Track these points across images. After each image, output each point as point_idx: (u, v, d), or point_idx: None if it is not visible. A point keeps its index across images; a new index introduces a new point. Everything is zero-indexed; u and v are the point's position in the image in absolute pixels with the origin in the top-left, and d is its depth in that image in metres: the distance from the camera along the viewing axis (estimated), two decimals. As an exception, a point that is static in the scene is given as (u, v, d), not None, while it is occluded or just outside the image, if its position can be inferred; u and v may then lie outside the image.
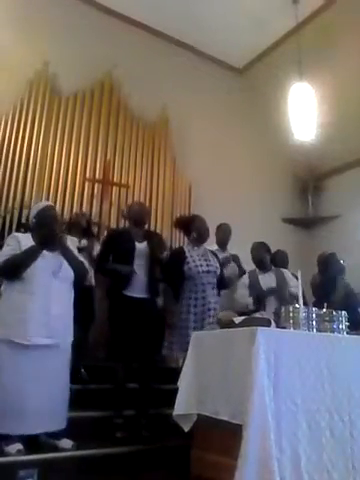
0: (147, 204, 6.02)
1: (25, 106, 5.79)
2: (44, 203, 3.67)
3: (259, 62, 7.41)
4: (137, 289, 3.46)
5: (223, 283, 3.93)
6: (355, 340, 3.05)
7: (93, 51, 6.22)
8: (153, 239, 3.71)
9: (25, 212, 5.42)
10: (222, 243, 4.73)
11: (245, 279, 4.23)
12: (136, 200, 5.81)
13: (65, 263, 3.09)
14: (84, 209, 5.73)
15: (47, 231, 3.06)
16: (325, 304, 3.17)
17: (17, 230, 5.33)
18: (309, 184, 8.00)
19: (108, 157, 6.24)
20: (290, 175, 7.98)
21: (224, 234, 4.74)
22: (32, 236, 3.10)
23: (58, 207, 5.63)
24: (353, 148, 6.98)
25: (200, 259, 3.73)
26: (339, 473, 2.63)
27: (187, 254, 3.73)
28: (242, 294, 4.12)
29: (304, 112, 5.48)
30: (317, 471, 2.54)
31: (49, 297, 2.96)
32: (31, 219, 3.25)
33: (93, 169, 6.11)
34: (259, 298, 4.01)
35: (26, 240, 3.06)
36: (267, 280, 4.17)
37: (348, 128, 6.78)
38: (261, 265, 4.24)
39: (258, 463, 2.32)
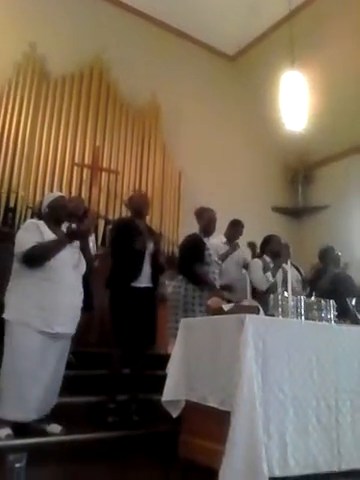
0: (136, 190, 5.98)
1: (13, 89, 5.69)
2: (57, 193, 3.73)
3: (251, 49, 7.37)
4: (143, 279, 3.57)
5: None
6: (342, 329, 3.09)
7: (82, 34, 6.13)
8: (155, 237, 3.82)
9: (13, 196, 5.36)
10: (232, 239, 4.75)
11: (259, 263, 4.34)
12: (138, 190, 5.82)
13: (82, 256, 3.18)
14: (73, 195, 5.67)
15: (82, 228, 3.20)
16: (313, 293, 3.20)
17: (5, 214, 5.29)
18: (299, 174, 8.02)
19: (97, 142, 6.18)
20: (280, 164, 7.99)
21: (237, 233, 4.78)
22: (46, 224, 3.12)
23: (46, 192, 5.56)
24: (343, 138, 7.00)
25: (212, 249, 3.99)
26: (325, 458, 2.68)
27: (206, 242, 3.97)
28: (258, 270, 4.24)
29: (295, 101, 5.46)
30: (303, 457, 2.58)
31: (72, 288, 3.06)
32: (44, 208, 3.25)
33: (82, 154, 6.05)
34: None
35: (43, 228, 3.09)
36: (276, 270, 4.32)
37: (339, 117, 6.79)
38: (275, 257, 4.37)
39: (245, 449, 2.35)
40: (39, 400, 2.88)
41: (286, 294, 3.03)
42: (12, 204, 5.35)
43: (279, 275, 4.28)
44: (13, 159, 5.52)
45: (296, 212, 8.00)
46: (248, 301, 3.68)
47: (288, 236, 6.33)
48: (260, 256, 4.46)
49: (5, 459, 2.51)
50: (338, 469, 2.71)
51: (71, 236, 3.10)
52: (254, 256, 4.64)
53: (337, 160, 7.35)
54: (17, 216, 5.35)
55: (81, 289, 3.18)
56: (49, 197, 3.37)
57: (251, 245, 4.67)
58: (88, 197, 5.92)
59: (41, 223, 3.13)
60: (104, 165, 6.17)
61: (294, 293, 3.49)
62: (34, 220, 3.27)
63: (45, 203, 3.28)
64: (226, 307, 3.06)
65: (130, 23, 6.65)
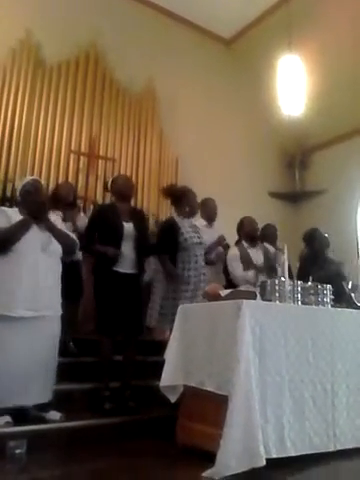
0: (133, 178, 5.97)
1: (8, 76, 5.63)
2: (30, 177, 3.67)
3: (248, 33, 7.28)
4: (125, 265, 3.48)
5: (208, 257, 3.97)
6: (339, 313, 3.11)
7: (77, 20, 6.05)
8: (139, 218, 3.70)
9: (9, 185, 5.34)
10: (210, 218, 4.70)
11: (235, 251, 4.22)
12: (121, 173, 5.74)
13: (52, 238, 3.10)
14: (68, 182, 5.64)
15: (37, 203, 3.09)
16: (310, 278, 3.20)
17: (2, 204, 5.28)
18: (296, 158, 7.98)
19: (94, 129, 6.14)
20: (277, 149, 7.95)
21: (211, 210, 4.70)
22: (19, 211, 3.10)
23: (43, 180, 5.52)
24: (341, 121, 6.95)
25: (191, 231, 3.79)
26: (321, 440, 2.73)
27: (180, 225, 3.76)
28: (237, 267, 4.10)
29: (292, 85, 5.42)
30: (300, 438, 2.63)
31: (37, 271, 2.98)
32: (17, 194, 3.23)
33: (78, 142, 6.01)
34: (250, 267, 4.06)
35: (14, 215, 3.07)
36: (255, 255, 4.21)
37: (336, 101, 6.73)
38: (253, 240, 4.26)
39: (243, 431, 2.39)
40: (27, 386, 2.86)
41: (283, 279, 3.04)
42: (8, 193, 5.32)
43: (258, 257, 4.18)
44: (9, 148, 5.48)
45: (293, 197, 7.98)
46: (245, 287, 3.71)
47: (285, 221, 6.37)
48: (237, 243, 4.33)
49: (5, 446, 2.56)
50: (334, 449, 2.76)
51: (33, 215, 3.04)
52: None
53: (334, 144, 7.31)
54: (14, 205, 5.33)
55: (55, 272, 3.11)
56: (21, 182, 3.34)
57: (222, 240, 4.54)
58: (85, 185, 5.89)
59: (12, 210, 3.12)
60: (100, 153, 6.13)
61: (274, 274, 3.49)
62: (2, 207, 3.26)
63: (19, 188, 3.27)
64: (223, 293, 3.08)
65: (125, 8, 6.56)
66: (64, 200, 4.25)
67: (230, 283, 4.15)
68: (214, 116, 7.11)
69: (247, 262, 4.10)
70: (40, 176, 5.56)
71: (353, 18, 6.20)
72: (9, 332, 2.87)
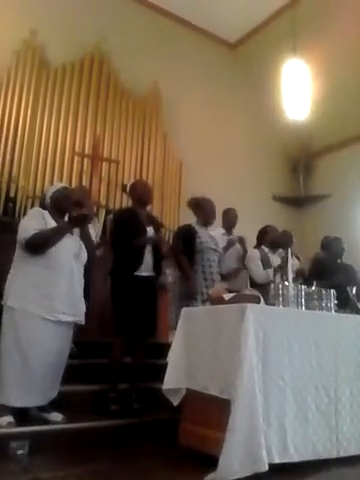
0: (133, 179, 5.95)
1: (12, 77, 5.64)
2: (60, 184, 3.77)
3: (253, 37, 7.30)
4: (145, 268, 3.58)
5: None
6: (343, 318, 3.10)
7: (82, 22, 6.07)
8: (157, 223, 3.89)
9: (13, 186, 5.35)
10: (229, 227, 4.81)
11: (256, 253, 4.34)
12: (139, 179, 5.78)
13: (83, 246, 3.20)
14: (73, 184, 5.66)
15: (84, 215, 3.21)
16: (317, 283, 3.20)
17: (6, 204, 5.29)
18: (301, 162, 7.98)
19: (98, 132, 6.14)
20: (282, 153, 7.95)
21: (232, 218, 4.83)
22: (51, 215, 3.14)
23: (47, 182, 5.56)
24: (346, 126, 6.95)
25: (208, 238, 3.94)
26: (323, 445, 2.72)
27: (197, 230, 3.92)
28: (258, 265, 4.23)
29: (297, 89, 5.43)
30: (303, 444, 2.62)
31: (73, 277, 3.08)
32: (47, 199, 3.27)
33: (82, 143, 6.02)
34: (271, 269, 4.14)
35: (48, 218, 3.11)
36: (275, 260, 4.29)
37: (341, 105, 6.74)
38: (275, 246, 4.38)
39: (245, 436, 2.38)
40: (41, 387, 2.91)
41: (287, 283, 3.03)
42: (12, 194, 5.34)
43: (276, 262, 4.24)
44: (13, 149, 5.49)
45: (297, 201, 7.98)
46: (249, 291, 3.70)
47: (289, 225, 6.32)
48: (257, 247, 4.44)
49: (7, 446, 2.56)
50: (337, 455, 2.74)
51: (73, 222, 3.13)
52: (245, 250, 4.58)
53: (339, 149, 7.30)
54: (17, 206, 5.35)
55: (82, 278, 3.20)
56: (52, 188, 3.40)
57: (241, 240, 4.63)
58: (89, 187, 5.89)
59: (46, 213, 3.15)
60: (104, 155, 6.14)
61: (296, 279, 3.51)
62: (40, 209, 3.29)
63: (48, 194, 3.31)
64: (227, 297, 3.08)
65: (131, 11, 6.58)
66: (80, 204, 4.25)
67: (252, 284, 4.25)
68: (218, 120, 7.12)
69: (266, 264, 4.22)
70: (44, 178, 5.59)
71: (358, 23, 6.21)
72: (41, 334, 2.92)
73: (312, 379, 2.77)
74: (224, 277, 4.14)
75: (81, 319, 3.15)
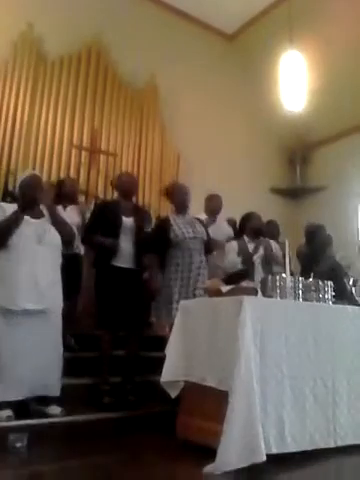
0: (135, 173, 5.96)
1: (10, 69, 5.62)
2: (28, 172, 3.71)
3: (250, 28, 7.25)
4: (124, 260, 3.53)
5: (209, 247, 3.94)
6: (340, 309, 3.11)
7: (79, 14, 6.03)
8: (140, 215, 3.78)
9: (11, 179, 5.34)
10: (212, 213, 4.72)
11: (234, 245, 4.21)
12: (124, 170, 5.75)
13: (51, 229, 3.13)
14: (69, 177, 5.64)
15: (28, 196, 3.11)
16: (311, 274, 3.20)
17: (3, 199, 5.27)
18: (297, 154, 7.97)
19: (95, 124, 6.13)
20: (279, 145, 7.93)
21: (215, 205, 4.74)
22: (18, 205, 3.11)
23: (45, 174, 5.54)
24: (342, 117, 6.93)
25: (186, 226, 3.76)
26: (321, 436, 2.73)
27: (172, 222, 3.75)
28: (233, 259, 4.11)
29: (294, 81, 5.40)
30: (300, 434, 2.63)
31: (35, 263, 3.00)
32: (17, 189, 3.26)
33: (80, 136, 6.01)
34: (247, 263, 4.05)
35: (12, 209, 3.07)
36: (254, 249, 4.20)
37: (338, 97, 6.72)
38: (257, 235, 4.26)
39: (243, 427, 2.39)
40: (29, 380, 2.88)
41: (284, 275, 3.04)
42: (10, 187, 5.32)
43: (257, 250, 4.18)
44: (11, 141, 5.48)
45: (294, 193, 7.97)
46: (246, 283, 3.70)
47: (286, 217, 6.35)
48: (239, 236, 4.32)
49: (6, 439, 2.58)
50: (334, 445, 2.76)
51: (24, 208, 3.05)
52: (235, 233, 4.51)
53: (336, 140, 7.29)
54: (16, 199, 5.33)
55: (54, 263, 3.13)
56: (21, 176, 3.37)
57: (231, 222, 4.57)
58: (86, 180, 5.89)
59: (10, 205, 3.14)
60: (102, 147, 6.13)
61: (276, 270, 3.49)
62: (1, 203, 3.28)
63: (18, 183, 3.29)
64: (224, 289, 3.08)
65: (128, 3, 6.53)
66: (67, 196, 4.26)
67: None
68: (216, 112, 7.09)
69: (245, 254, 4.09)
70: (42, 170, 5.58)
71: (355, 14, 6.17)
72: (10, 326, 2.89)
73: (309, 370, 2.78)
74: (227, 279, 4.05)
75: (51, 305, 3.04)
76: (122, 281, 3.47)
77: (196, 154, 6.59)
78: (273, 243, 4.34)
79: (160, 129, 6.66)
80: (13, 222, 3.00)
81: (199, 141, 6.72)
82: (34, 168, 5.52)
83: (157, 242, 3.68)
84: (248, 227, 4.28)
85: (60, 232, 3.16)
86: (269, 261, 4.08)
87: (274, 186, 7.77)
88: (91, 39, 6.21)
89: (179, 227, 3.72)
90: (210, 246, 3.93)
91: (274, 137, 7.73)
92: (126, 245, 3.54)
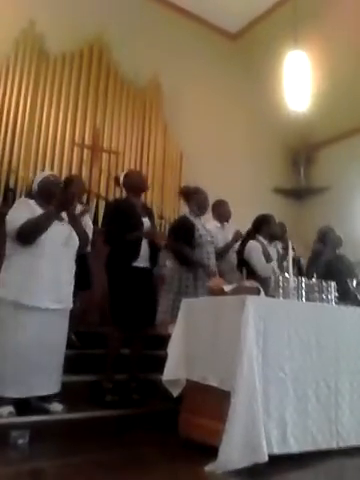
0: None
1: (11, 66, 5.59)
2: (48, 172, 3.79)
3: (254, 27, 7.24)
4: (142, 259, 3.56)
5: (220, 254, 4.10)
6: (343, 310, 3.11)
7: (82, 12, 6.02)
8: (150, 213, 3.85)
9: (12, 176, 5.33)
10: (221, 219, 4.72)
11: (257, 244, 4.11)
12: (132, 168, 5.75)
13: (73, 232, 3.15)
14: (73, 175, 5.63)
15: (66, 194, 3.14)
16: (314, 274, 3.20)
17: (4, 197, 5.27)
18: (301, 154, 7.95)
19: (97, 122, 6.11)
20: (282, 145, 7.92)
21: (225, 211, 4.75)
22: (37, 203, 3.11)
23: (46, 172, 5.52)
24: (347, 118, 6.92)
25: (204, 229, 3.91)
26: (323, 437, 2.73)
27: (194, 222, 3.87)
28: (261, 257, 4.02)
29: (298, 81, 5.40)
30: (302, 435, 2.63)
31: (60, 264, 3.05)
32: (34, 187, 3.25)
33: (82, 134, 5.99)
34: (281, 267, 4.01)
35: (35, 206, 3.09)
36: (272, 252, 4.18)
37: (343, 97, 6.70)
38: (273, 238, 4.24)
39: (245, 427, 2.39)
40: (38, 377, 2.90)
41: (287, 275, 3.03)
42: (12, 184, 5.32)
43: (273, 255, 4.19)
44: (13, 139, 5.46)
45: (298, 193, 7.95)
46: (249, 282, 3.69)
47: (289, 217, 6.34)
48: (253, 237, 4.22)
49: (8, 435, 2.58)
50: (336, 447, 2.76)
51: (57, 205, 3.05)
52: (243, 244, 4.35)
53: (340, 140, 7.27)
54: (17, 196, 5.33)
55: (72, 266, 3.16)
56: (40, 175, 3.39)
57: (238, 235, 4.51)
58: (89, 178, 5.88)
59: (32, 202, 3.13)
60: (104, 145, 6.11)
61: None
62: (24, 198, 3.26)
63: (36, 181, 3.29)
64: (227, 288, 3.08)
65: (131, 1, 6.52)
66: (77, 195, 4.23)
67: (250, 275, 4.11)
68: (219, 111, 7.08)
69: (267, 256, 4.06)
70: (43, 168, 5.56)
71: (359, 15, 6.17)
72: (28, 322, 2.90)
73: (312, 371, 2.77)
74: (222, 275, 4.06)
75: (68, 305, 3.11)
76: (140, 280, 3.50)
77: (199, 153, 6.58)
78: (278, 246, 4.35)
79: (163, 127, 6.64)
80: (49, 220, 3.01)
81: (202, 140, 6.71)
82: (36, 166, 5.52)
83: (183, 238, 3.76)
84: (265, 230, 4.20)
85: (78, 235, 3.19)
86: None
87: (278, 186, 7.75)
88: (93, 37, 6.19)
89: (201, 229, 3.87)
90: (220, 253, 4.10)
91: (278, 137, 7.73)
92: (144, 245, 3.56)
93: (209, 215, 4.58)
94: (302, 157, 7.93)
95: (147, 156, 6.45)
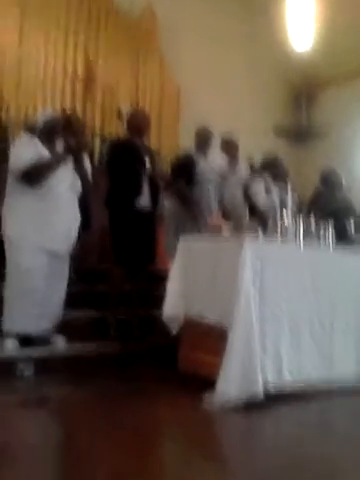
0: (132, 106, 5.76)
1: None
2: (51, 110, 3.82)
3: None
4: (142, 199, 3.55)
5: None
6: (340, 252, 3.16)
7: None
8: (152, 154, 3.76)
9: (3, 111, 5.16)
10: (231, 154, 4.57)
11: (262, 184, 4.10)
12: (136, 107, 5.60)
13: (76, 178, 3.15)
14: (67, 110, 5.47)
15: (78, 143, 3.15)
16: (315, 216, 3.22)
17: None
18: (303, 94, 7.72)
19: (91, 54, 5.85)
20: (284, 84, 7.64)
21: (231, 147, 4.57)
22: (42, 142, 3.07)
23: (39, 107, 5.36)
24: (351, 57, 6.65)
25: (207, 166, 3.88)
26: (317, 373, 2.85)
27: (197, 160, 3.86)
28: (261, 191, 4.03)
29: (302, 18, 5.16)
30: (297, 370, 2.75)
31: (68, 208, 3.09)
32: (39, 124, 3.18)
33: (75, 67, 5.75)
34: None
35: (39, 145, 3.05)
36: (275, 191, 4.14)
37: (347, 36, 6.40)
38: (280, 180, 4.17)
39: (242, 361, 2.50)
40: (43, 313, 2.98)
41: (285, 217, 3.05)
42: (3, 119, 5.16)
43: (276, 198, 4.20)
44: (2, 73, 5.23)
45: (299, 134, 7.78)
46: (248, 223, 3.71)
47: (289, 157, 6.25)
48: (259, 174, 4.23)
49: (15, 368, 2.69)
50: (329, 384, 2.87)
51: (69, 151, 3.06)
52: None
53: (344, 80, 7.01)
54: (9, 133, 5.18)
55: (77, 209, 3.19)
56: (43, 114, 3.35)
57: (250, 165, 4.51)
58: (83, 113, 5.71)
59: (37, 141, 3.09)
60: (99, 79, 5.89)
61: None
62: (29, 136, 3.19)
63: (41, 119, 3.22)
64: (225, 229, 3.10)
65: None
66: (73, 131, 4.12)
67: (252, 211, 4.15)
68: (218, 45, 6.75)
69: (268, 192, 4.08)
70: (35, 103, 5.38)
71: None
72: (38, 263, 2.95)
73: (308, 310, 2.87)
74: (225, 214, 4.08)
75: (72, 249, 3.19)
76: (140, 220, 3.52)
77: (197, 88, 6.33)
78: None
79: (159, 60, 6.38)
80: (59, 164, 3.01)
81: (200, 74, 6.45)
82: (28, 99, 5.33)
83: (181, 175, 3.78)
84: (272, 171, 4.19)
85: (82, 181, 3.19)
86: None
87: (278, 125, 7.54)
88: None
89: (203, 166, 3.85)
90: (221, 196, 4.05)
91: (280, 75, 7.43)
92: (145, 186, 3.55)
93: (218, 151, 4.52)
94: (304, 96, 7.71)
95: (143, 89, 6.24)
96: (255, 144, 4.54)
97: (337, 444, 2.12)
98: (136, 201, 3.51)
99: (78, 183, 3.18)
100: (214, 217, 3.47)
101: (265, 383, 2.54)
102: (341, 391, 2.85)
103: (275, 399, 2.53)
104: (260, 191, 4.04)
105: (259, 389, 2.47)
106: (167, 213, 3.96)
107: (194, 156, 3.92)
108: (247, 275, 2.62)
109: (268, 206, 3.86)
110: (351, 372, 3.04)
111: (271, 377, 2.62)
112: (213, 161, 4.15)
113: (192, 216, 3.75)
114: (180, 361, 2.98)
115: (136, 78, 6.21)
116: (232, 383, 2.47)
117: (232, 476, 1.68)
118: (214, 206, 3.88)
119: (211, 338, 2.74)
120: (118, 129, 5.68)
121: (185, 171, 3.80)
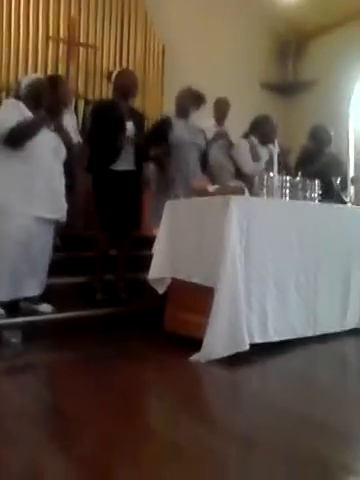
0: (117, 67, 5.60)
1: None
2: (36, 74, 3.77)
3: None
4: (124, 162, 3.48)
5: (205, 161, 3.91)
6: (326, 208, 3.14)
7: None
8: (137, 118, 3.65)
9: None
10: (220, 118, 4.59)
11: (245, 143, 3.93)
12: (126, 68, 5.36)
13: (61, 143, 3.10)
14: (49, 72, 5.32)
15: (55, 101, 3.11)
16: (303, 174, 3.17)
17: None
18: (290, 45, 7.47)
19: (72, 13, 5.64)
20: (270, 35, 7.40)
21: (222, 109, 4.59)
22: (26, 106, 3.01)
23: (20, 70, 5.21)
24: (341, 3, 6.41)
25: (185, 131, 3.73)
26: (302, 327, 2.90)
27: (174, 122, 3.73)
28: (247, 158, 3.87)
29: None
30: (282, 324, 2.79)
31: (53, 173, 3.03)
32: (22, 89, 3.11)
33: (56, 27, 5.55)
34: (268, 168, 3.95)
35: (24, 109, 2.99)
36: (264, 153, 4.06)
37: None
38: (266, 140, 3.95)
39: (228, 319, 2.52)
40: (26, 279, 2.96)
41: (271, 174, 3.01)
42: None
43: (264, 156, 4.12)
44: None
45: (285, 88, 7.59)
46: (234, 182, 3.66)
47: (276, 113, 6.10)
48: (246, 137, 4.07)
49: (1, 335, 2.70)
50: (313, 334, 2.94)
51: (49, 112, 3.00)
52: (230, 143, 4.31)
53: (333, 29, 6.77)
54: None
55: (62, 175, 3.14)
56: (27, 78, 3.28)
57: (222, 135, 4.39)
58: (65, 75, 5.54)
59: (21, 104, 3.03)
60: (81, 39, 5.70)
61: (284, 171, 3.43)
62: (15, 100, 3.12)
63: (23, 83, 3.15)
64: (211, 188, 3.06)
65: None
66: (62, 100, 4.00)
67: (238, 173, 4.07)
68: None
69: (255, 155, 3.91)
70: (17, 65, 5.22)
71: None
72: (19, 230, 2.90)
73: (293, 265, 2.87)
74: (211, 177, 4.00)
75: (63, 216, 3.12)
76: (122, 183, 3.46)
77: (182, 46, 6.13)
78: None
79: (143, 18, 6.14)
80: (40, 125, 2.95)
81: (185, 31, 6.22)
82: (9, 63, 5.17)
83: (154, 137, 3.67)
84: (260, 130, 3.99)
85: (64, 141, 3.14)
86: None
87: (265, 80, 7.37)
88: None
89: (180, 129, 3.70)
90: (206, 160, 3.92)
91: (265, 25, 7.16)
92: (127, 148, 3.46)
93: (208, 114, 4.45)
94: (292, 48, 7.45)
95: (127, 49, 6.02)
96: (241, 100, 4.42)
97: (323, 398, 2.12)
98: (114, 166, 3.43)
99: (63, 149, 3.12)
100: (199, 180, 3.41)
101: (251, 339, 2.57)
102: (323, 340, 2.92)
103: (260, 351, 2.57)
104: (244, 152, 3.90)
105: (245, 345, 2.51)
106: (152, 177, 3.89)
107: (172, 119, 3.78)
108: (233, 234, 2.61)
109: (254, 170, 3.73)
110: (336, 324, 3.09)
111: (256, 332, 2.65)
112: (198, 123, 3.99)
113: (171, 181, 3.65)
114: (166, 321, 3.00)
115: (120, 37, 6.00)
116: (218, 341, 2.49)
117: (221, 436, 1.69)
118: (198, 170, 3.76)
119: (197, 298, 2.75)
120: (102, 91, 5.58)
121: (161, 135, 3.67)
